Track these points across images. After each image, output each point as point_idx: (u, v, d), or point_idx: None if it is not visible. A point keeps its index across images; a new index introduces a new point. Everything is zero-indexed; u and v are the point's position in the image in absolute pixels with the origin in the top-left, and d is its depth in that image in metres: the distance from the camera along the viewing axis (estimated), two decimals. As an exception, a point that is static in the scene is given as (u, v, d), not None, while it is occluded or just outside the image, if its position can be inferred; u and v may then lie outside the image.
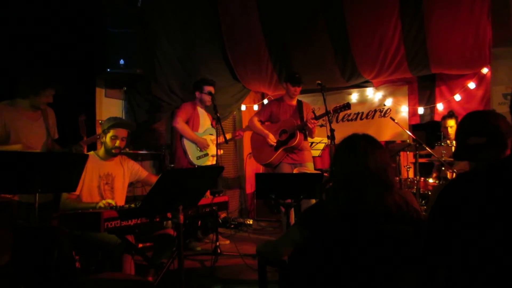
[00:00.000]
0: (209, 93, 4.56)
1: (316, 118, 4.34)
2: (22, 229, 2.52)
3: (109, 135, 3.16)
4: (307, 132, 4.55)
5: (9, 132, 3.07)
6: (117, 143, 3.17)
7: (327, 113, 4.20)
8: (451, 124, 5.10)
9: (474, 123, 1.81)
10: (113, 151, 3.18)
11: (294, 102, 4.71)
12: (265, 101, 6.96)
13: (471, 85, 5.59)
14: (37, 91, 3.18)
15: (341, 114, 6.30)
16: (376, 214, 1.53)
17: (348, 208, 1.57)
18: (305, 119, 4.52)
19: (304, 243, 1.66)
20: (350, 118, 6.41)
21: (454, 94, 5.72)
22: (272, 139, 4.54)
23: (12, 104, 3.17)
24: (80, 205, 2.94)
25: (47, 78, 3.25)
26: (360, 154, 1.58)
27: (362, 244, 1.53)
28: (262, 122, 4.78)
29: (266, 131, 4.61)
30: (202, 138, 4.57)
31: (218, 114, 4.36)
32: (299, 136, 4.43)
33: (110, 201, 2.89)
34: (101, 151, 3.25)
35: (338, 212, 1.58)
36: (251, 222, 5.92)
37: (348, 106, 4.40)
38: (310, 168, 4.52)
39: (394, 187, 1.58)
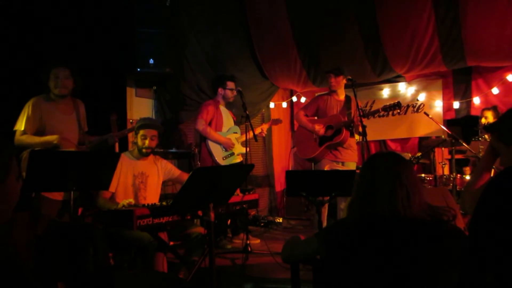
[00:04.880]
0: (238, 91, 4.51)
1: (365, 115, 4.18)
2: (57, 225, 2.57)
3: (139, 135, 3.27)
4: (353, 130, 4.40)
5: (45, 125, 3.15)
6: (147, 142, 3.25)
7: (376, 111, 4.11)
8: (487, 115, 4.91)
9: None
10: (143, 150, 3.27)
11: (342, 97, 4.55)
12: (294, 98, 6.91)
13: (510, 77, 5.36)
14: (48, 73, 3.21)
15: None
16: (402, 224, 1.52)
17: (371, 220, 1.56)
18: (352, 116, 4.37)
19: (323, 256, 1.69)
20: (381, 114, 6.26)
21: (491, 87, 5.50)
22: (320, 129, 4.38)
23: (46, 99, 3.24)
24: (106, 205, 2.98)
25: (55, 59, 3.31)
26: (386, 172, 1.59)
27: (384, 253, 1.50)
28: (307, 117, 4.68)
29: (312, 124, 4.49)
30: (226, 138, 4.52)
31: (247, 112, 4.33)
32: (345, 133, 4.31)
33: (128, 200, 2.91)
34: (134, 151, 3.34)
35: (359, 224, 1.57)
36: (281, 221, 5.88)
37: (398, 105, 4.26)
38: (351, 167, 4.37)
39: (420, 201, 1.56)
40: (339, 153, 4.40)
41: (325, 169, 4.19)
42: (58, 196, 3.04)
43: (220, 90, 4.62)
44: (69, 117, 3.32)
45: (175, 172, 3.53)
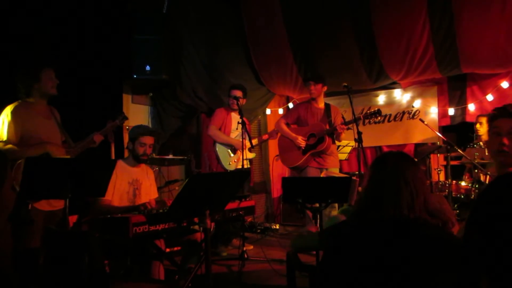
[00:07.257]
0: (234, 97, 4.56)
1: (346, 123, 4.25)
2: (53, 234, 2.56)
3: (137, 142, 3.26)
4: (334, 136, 4.48)
5: (28, 132, 2.96)
6: (145, 150, 3.27)
7: (357, 119, 4.13)
8: (482, 120, 4.91)
9: None
10: (141, 157, 3.28)
11: (322, 105, 4.61)
12: (290, 105, 6.92)
13: (504, 84, 5.39)
14: (37, 76, 3.02)
15: (368, 117, 6.20)
16: (404, 226, 1.52)
17: (373, 220, 1.56)
18: (333, 123, 4.44)
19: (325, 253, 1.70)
20: (377, 120, 6.28)
21: (486, 94, 5.53)
22: (301, 141, 4.47)
23: (24, 105, 3.03)
24: (116, 209, 2.98)
25: (38, 59, 3.18)
26: (391, 170, 1.59)
27: (384, 255, 1.49)
28: (288, 125, 4.73)
29: (294, 134, 4.55)
30: (237, 140, 4.59)
31: (244, 119, 4.36)
32: (328, 141, 4.37)
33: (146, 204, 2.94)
34: (130, 158, 3.35)
35: (364, 223, 1.57)
36: (277, 227, 5.86)
37: (379, 112, 4.33)
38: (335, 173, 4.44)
39: (424, 201, 1.56)
40: (322, 160, 4.46)
41: (322, 175, 4.19)
42: (46, 206, 2.92)
43: (226, 98, 4.74)
44: (49, 122, 3.14)
45: (154, 189, 3.53)
